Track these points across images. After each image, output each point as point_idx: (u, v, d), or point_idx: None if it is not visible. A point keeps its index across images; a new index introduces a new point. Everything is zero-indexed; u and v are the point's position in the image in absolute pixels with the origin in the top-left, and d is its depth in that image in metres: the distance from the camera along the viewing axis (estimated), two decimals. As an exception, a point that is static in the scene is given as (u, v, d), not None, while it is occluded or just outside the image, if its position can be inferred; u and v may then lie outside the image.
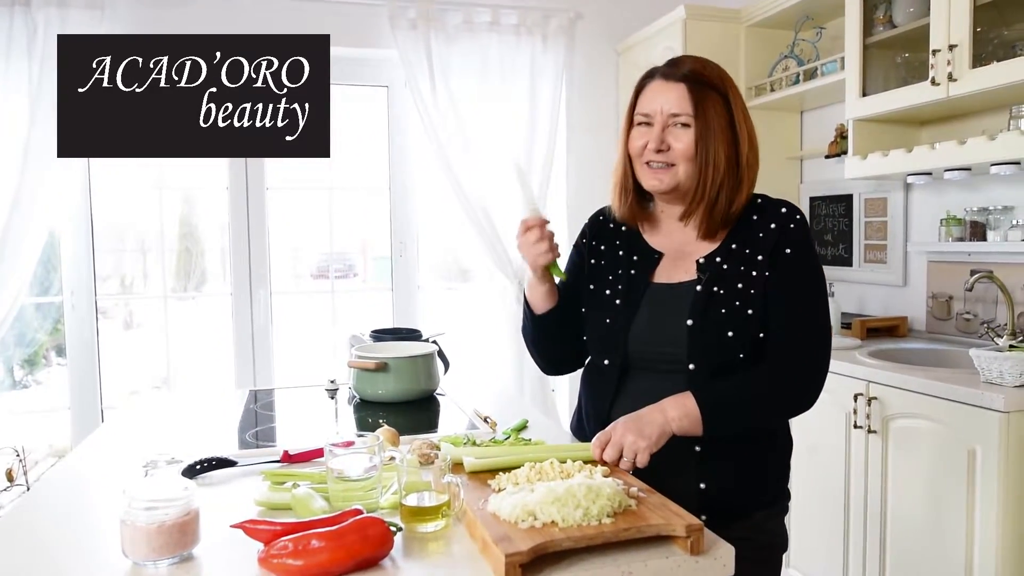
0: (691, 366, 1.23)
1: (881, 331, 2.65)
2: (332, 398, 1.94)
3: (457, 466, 1.16)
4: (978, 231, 2.41)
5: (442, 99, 3.17)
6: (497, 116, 3.24)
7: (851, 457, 2.21)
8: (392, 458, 1.11)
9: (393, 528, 0.94)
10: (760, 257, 1.25)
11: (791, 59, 2.95)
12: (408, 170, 3.44)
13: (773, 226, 1.27)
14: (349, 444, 1.09)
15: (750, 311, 1.23)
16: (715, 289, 1.24)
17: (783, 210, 1.29)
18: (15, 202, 2.78)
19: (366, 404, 1.84)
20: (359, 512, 0.94)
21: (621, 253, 1.37)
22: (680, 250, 1.33)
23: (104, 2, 2.83)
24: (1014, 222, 2.30)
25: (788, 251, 1.26)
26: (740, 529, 1.26)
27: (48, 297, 3.15)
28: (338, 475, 1.02)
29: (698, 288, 1.25)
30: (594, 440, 1.17)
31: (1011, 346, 1.95)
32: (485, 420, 1.61)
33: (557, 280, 1.35)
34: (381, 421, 1.66)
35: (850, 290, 3.00)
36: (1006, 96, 2.10)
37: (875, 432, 2.12)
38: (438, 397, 1.92)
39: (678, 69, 1.26)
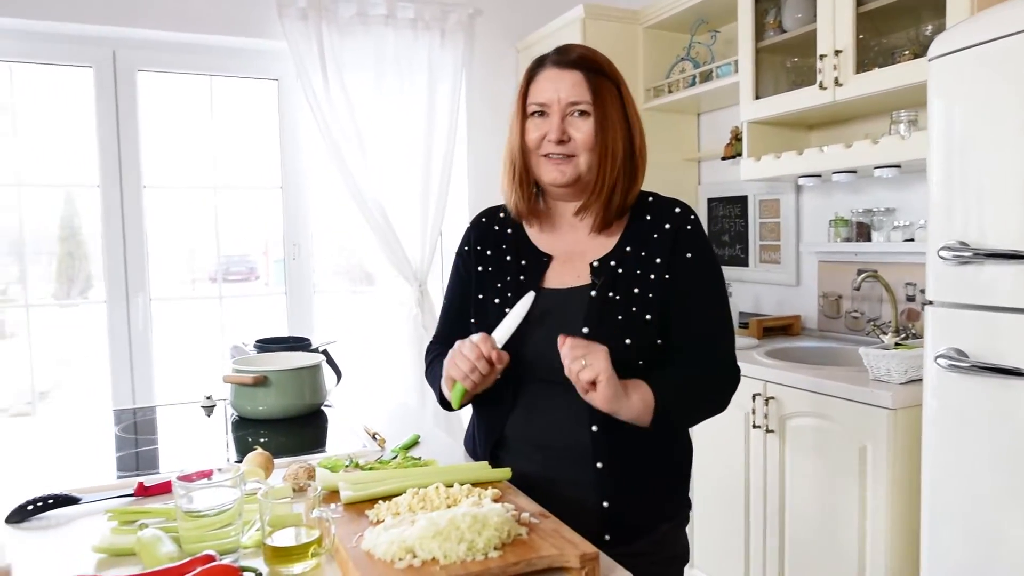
0: None
1: (776, 330, 2.71)
2: (209, 416, 1.77)
3: (334, 494, 1.05)
4: (864, 232, 2.49)
5: (336, 94, 3.02)
6: (394, 113, 3.12)
7: (751, 457, 2.23)
8: (255, 490, 0.99)
9: (251, 574, 0.82)
10: (658, 260, 1.20)
11: (687, 61, 2.97)
12: (301, 168, 3.26)
13: (668, 226, 1.22)
14: (205, 475, 0.96)
15: (648, 316, 1.17)
16: (610, 294, 1.18)
17: (677, 210, 1.24)
18: None
19: (246, 422, 1.69)
20: (211, 559, 0.82)
21: (508, 258, 1.29)
22: (570, 252, 1.26)
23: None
24: (896, 223, 2.38)
25: (689, 255, 1.21)
26: (643, 544, 1.21)
27: None
28: (187, 512, 0.89)
29: (592, 293, 1.19)
30: (570, 343, 1.06)
31: (897, 344, 2.00)
32: (374, 437, 1.49)
33: (451, 398, 1.19)
34: (261, 441, 1.52)
35: (747, 290, 3.06)
36: (888, 101, 2.17)
37: (772, 432, 2.14)
38: (327, 411, 1.79)
39: (568, 56, 1.21)
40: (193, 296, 3.25)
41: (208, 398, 1.85)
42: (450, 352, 1.16)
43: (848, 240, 2.53)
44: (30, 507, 1.09)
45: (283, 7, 2.93)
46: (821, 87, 2.20)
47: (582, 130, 1.19)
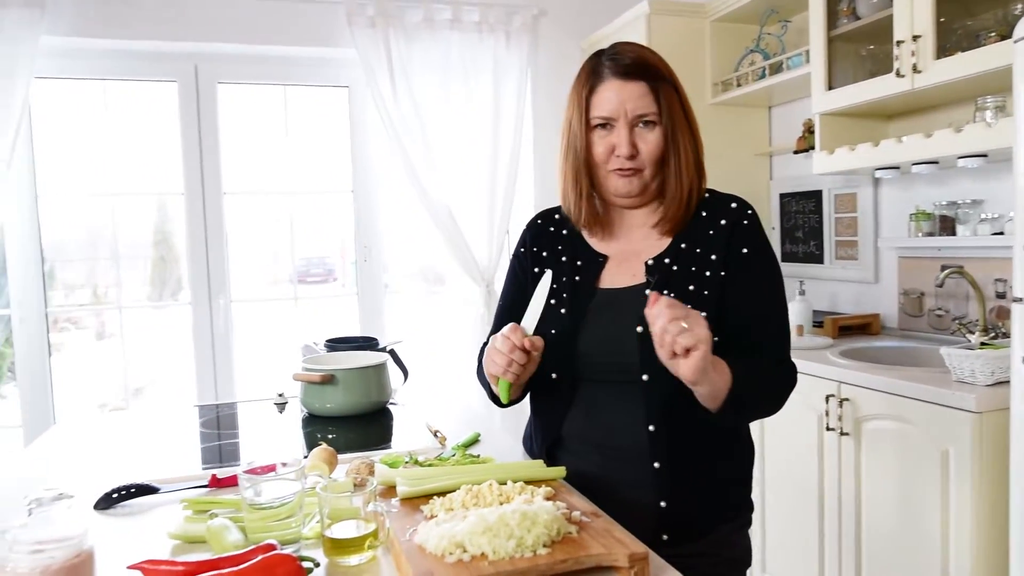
0: (644, 376, 1.14)
1: (853, 329, 2.60)
2: (281, 412, 1.84)
3: (390, 489, 1.08)
4: (948, 226, 2.36)
5: (403, 99, 3.08)
6: (460, 115, 3.16)
7: (824, 460, 2.16)
8: (316, 483, 1.02)
9: (309, 564, 0.85)
10: (713, 256, 1.18)
11: (757, 53, 2.89)
12: (371, 172, 3.34)
13: (724, 222, 1.20)
14: (270, 469, 1.00)
15: (704, 313, 1.15)
16: (665, 292, 1.17)
17: (733, 205, 1.22)
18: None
19: (315, 418, 1.75)
20: (271, 548, 0.85)
21: (564, 259, 1.29)
22: (626, 251, 1.25)
23: (45, 1, 2.71)
24: (983, 216, 2.25)
25: (745, 250, 1.19)
26: (702, 544, 1.19)
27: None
28: (251, 503, 0.93)
29: (647, 292, 1.17)
30: (667, 303, 0.99)
31: (982, 343, 1.89)
32: (435, 434, 1.52)
33: (499, 394, 1.19)
34: (329, 437, 1.57)
35: (822, 288, 2.95)
36: (971, 87, 2.05)
37: (847, 434, 2.06)
38: (393, 409, 1.83)
39: (624, 60, 1.18)
40: (270, 298, 3.38)
41: (280, 395, 1.92)
42: (487, 349, 1.17)
43: (931, 234, 2.41)
44: (115, 495, 1.16)
45: (352, 16, 3.01)
46: (898, 75, 2.11)
47: (649, 142, 1.18)
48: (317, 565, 0.87)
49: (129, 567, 0.85)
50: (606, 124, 1.19)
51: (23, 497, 0.92)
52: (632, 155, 1.17)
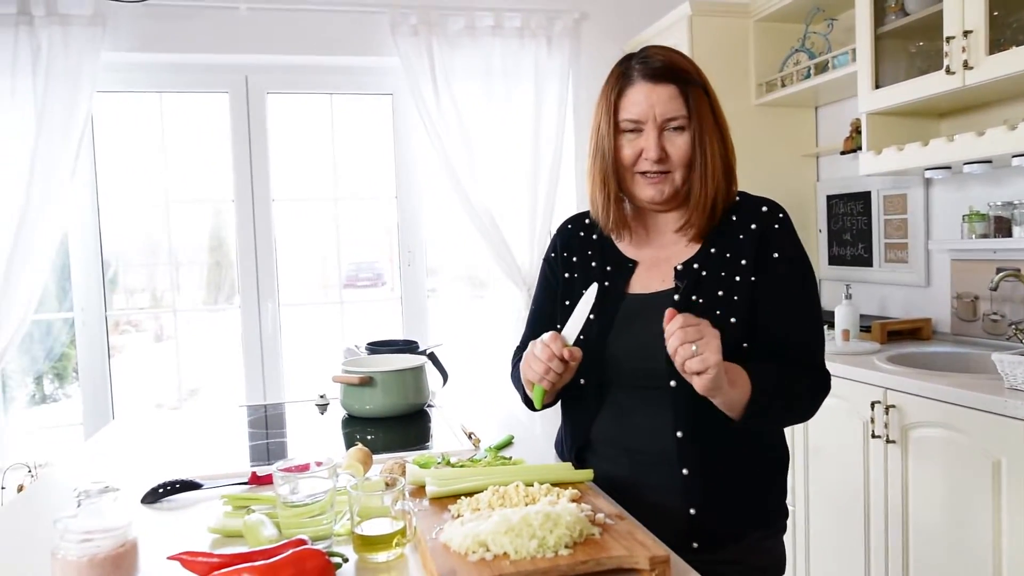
0: (672, 382, 1.14)
1: (903, 334, 2.53)
2: (323, 413, 1.89)
3: (420, 489, 1.10)
4: (1003, 227, 2.28)
5: (446, 105, 3.12)
6: (502, 120, 3.19)
7: (870, 469, 2.10)
8: (347, 482, 1.05)
9: (338, 559, 0.88)
10: (743, 262, 1.17)
11: (802, 53, 2.84)
12: (414, 178, 3.40)
13: (754, 227, 1.19)
14: (304, 468, 1.03)
15: (733, 319, 1.14)
16: (694, 298, 1.16)
17: (764, 209, 1.20)
18: (23, 218, 2.79)
19: (354, 419, 1.79)
20: (302, 543, 0.88)
21: (594, 264, 1.29)
22: (656, 257, 1.25)
23: (106, 18, 2.85)
24: (1041, 217, 2.17)
25: (776, 255, 1.17)
26: (733, 551, 1.18)
27: (61, 313, 3.16)
28: (284, 501, 0.97)
29: (676, 297, 1.17)
30: (683, 318, 1.01)
31: (1038, 349, 1.82)
32: (469, 436, 1.54)
33: (533, 399, 1.20)
34: (367, 438, 1.61)
35: (870, 291, 2.87)
36: (1027, 83, 1.98)
37: (893, 442, 2.01)
38: (431, 411, 1.86)
39: (654, 64, 1.17)
40: (317, 302, 3.46)
41: (322, 396, 1.97)
42: (524, 355, 1.18)
43: (985, 236, 2.32)
44: (160, 490, 1.22)
45: (396, 25, 3.07)
46: (948, 72, 2.04)
47: (679, 146, 1.17)
48: (346, 560, 0.90)
49: (169, 558, 0.89)
50: (634, 128, 1.18)
51: (72, 489, 0.97)
52: (660, 159, 1.16)
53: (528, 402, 1.26)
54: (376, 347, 2.15)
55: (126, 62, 3.03)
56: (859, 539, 2.15)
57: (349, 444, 1.61)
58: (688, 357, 0.99)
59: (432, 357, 2.05)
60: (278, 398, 3.24)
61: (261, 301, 3.27)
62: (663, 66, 1.17)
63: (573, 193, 3.38)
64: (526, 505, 0.97)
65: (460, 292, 3.60)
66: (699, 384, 1.00)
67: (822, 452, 2.27)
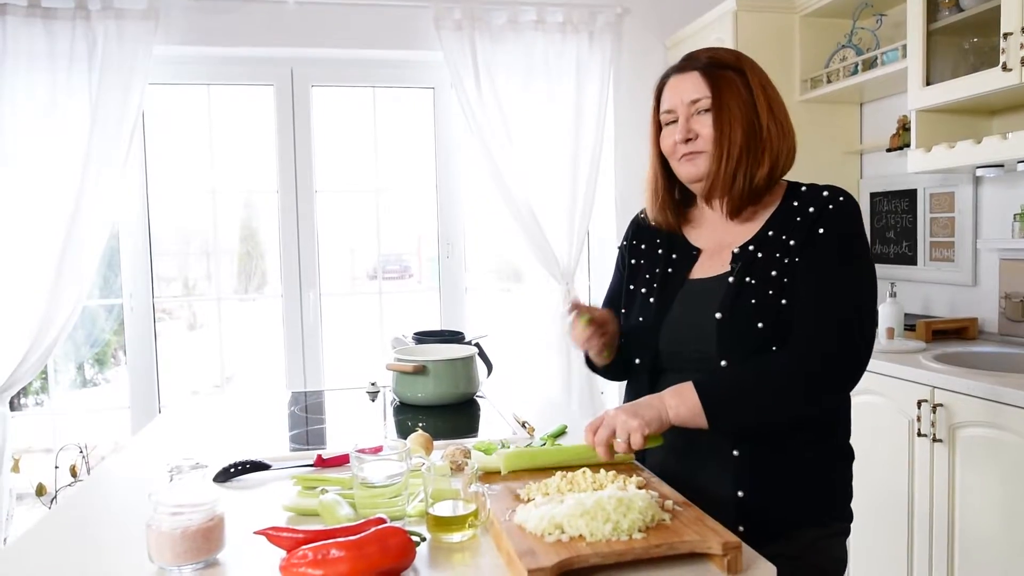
0: (723, 363, 1.17)
1: (948, 333, 2.51)
2: (373, 401, 1.93)
3: (487, 475, 1.13)
4: (1055, 226, 2.25)
5: (487, 99, 3.15)
6: (543, 115, 3.20)
7: (915, 468, 2.09)
8: (420, 465, 1.09)
9: (416, 538, 0.91)
10: (793, 242, 1.18)
11: (849, 48, 2.82)
12: (455, 171, 3.43)
13: (812, 209, 1.20)
14: (377, 450, 1.07)
15: (784, 300, 1.16)
16: (747, 279, 1.18)
17: (825, 193, 1.21)
18: (76, 207, 2.87)
19: (406, 407, 1.83)
20: (382, 521, 0.92)
21: (660, 252, 1.34)
22: (720, 243, 1.28)
23: (159, 12, 2.91)
24: (1096, 216, 2.14)
25: (821, 231, 1.18)
26: (787, 547, 1.19)
27: (110, 299, 3.25)
28: (363, 482, 1.00)
29: (730, 279, 1.19)
30: (587, 426, 1.14)
31: (1093, 350, 1.80)
32: (523, 425, 1.57)
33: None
34: (420, 425, 1.64)
35: (915, 290, 2.85)
36: (1086, 81, 1.95)
37: (940, 441, 2.00)
38: (479, 400, 1.90)
39: (691, 62, 1.25)
40: (357, 292, 3.52)
41: (373, 384, 2.01)
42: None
43: (1036, 236, 2.30)
44: (232, 470, 1.26)
45: (440, 19, 3.10)
46: (1005, 68, 2.02)
47: (707, 125, 1.22)
48: (424, 539, 0.93)
49: (255, 532, 0.93)
50: (672, 119, 1.26)
51: (164, 464, 1.02)
52: (688, 139, 1.22)
53: (591, 364, 1.40)
54: (423, 337, 2.19)
55: (176, 55, 3.09)
56: (902, 538, 2.14)
57: (402, 430, 1.65)
58: (613, 441, 1.11)
59: (478, 347, 2.08)
60: (318, 385, 3.30)
61: (304, 290, 3.33)
62: (693, 55, 1.27)
63: (612, 187, 3.39)
64: (594, 490, 0.99)
65: (497, 285, 3.63)
66: (637, 440, 1.09)
67: (864, 451, 2.26)
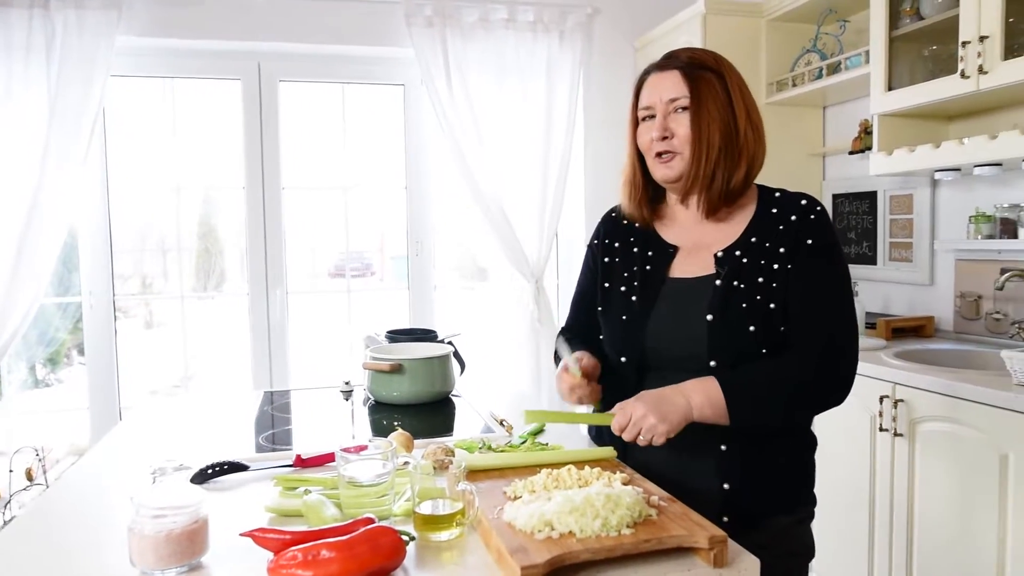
0: (712, 363, 1.19)
1: (907, 331, 2.59)
2: (347, 400, 1.92)
3: (472, 473, 1.13)
4: (1009, 228, 2.34)
5: (458, 97, 3.14)
6: (513, 113, 3.21)
7: (876, 461, 2.16)
8: (406, 463, 1.09)
9: (405, 537, 0.91)
10: (781, 250, 1.22)
11: (814, 53, 2.89)
12: (424, 169, 3.41)
13: (793, 218, 1.23)
14: (362, 448, 1.06)
15: (772, 305, 1.19)
16: (735, 283, 1.21)
17: (803, 202, 1.25)
18: (34, 202, 2.78)
19: (381, 406, 1.82)
20: (371, 521, 0.92)
21: (636, 249, 1.35)
22: (697, 243, 1.30)
23: (121, 2, 2.83)
24: (1047, 219, 2.23)
25: (809, 241, 1.22)
26: (762, 536, 1.22)
27: (68, 297, 3.16)
28: (349, 481, 1.00)
29: (717, 282, 1.22)
30: (617, 412, 1.15)
31: (1045, 347, 1.88)
32: (501, 423, 1.58)
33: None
34: (396, 424, 1.63)
35: (875, 289, 2.93)
36: (1039, 89, 2.04)
37: (901, 435, 2.06)
38: (454, 399, 1.89)
39: (671, 60, 1.27)
40: (324, 290, 3.48)
41: (347, 383, 2.00)
42: (557, 371, 1.31)
43: (991, 237, 2.38)
44: (209, 471, 1.24)
45: (411, 16, 3.08)
46: (963, 76, 2.09)
47: (683, 124, 1.24)
48: (413, 539, 0.93)
49: (242, 534, 0.92)
50: (649, 115, 1.27)
51: (147, 466, 0.99)
52: (664, 137, 1.24)
53: (559, 361, 1.38)
54: (396, 336, 2.18)
55: (139, 46, 3.01)
56: (864, 529, 2.21)
57: (378, 429, 1.65)
58: (647, 439, 1.13)
59: (452, 346, 2.08)
60: (284, 384, 3.26)
61: (269, 288, 3.28)
62: (673, 54, 1.28)
63: (581, 186, 3.41)
64: (580, 487, 1.00)
65: (466, 283, 3.62)
66: (661, 440, 1.13)
67: (829, 446, 2.32)
